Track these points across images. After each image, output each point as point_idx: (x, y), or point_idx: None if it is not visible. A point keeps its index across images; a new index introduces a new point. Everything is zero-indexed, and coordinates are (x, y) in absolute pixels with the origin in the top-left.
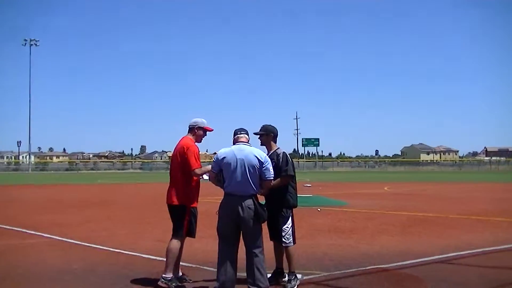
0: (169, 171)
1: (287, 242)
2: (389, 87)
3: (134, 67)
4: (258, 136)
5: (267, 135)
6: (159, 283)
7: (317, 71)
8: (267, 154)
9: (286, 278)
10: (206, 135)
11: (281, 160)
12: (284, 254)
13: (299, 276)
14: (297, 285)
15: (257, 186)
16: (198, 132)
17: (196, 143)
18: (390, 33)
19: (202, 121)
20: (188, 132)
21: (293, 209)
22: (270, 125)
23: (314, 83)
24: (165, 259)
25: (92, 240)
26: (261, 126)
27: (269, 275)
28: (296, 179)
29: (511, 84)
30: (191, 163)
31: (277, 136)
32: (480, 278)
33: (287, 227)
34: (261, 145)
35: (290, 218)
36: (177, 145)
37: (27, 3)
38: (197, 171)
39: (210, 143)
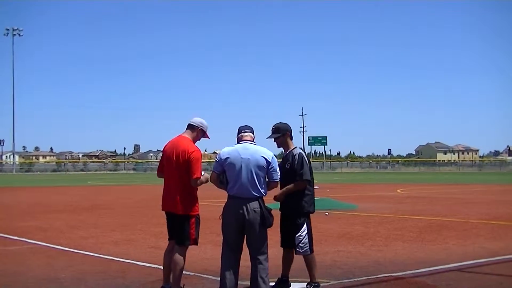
0: (157, 171)
1: (301, 250)
2: (403, 82)
3: (128, 60)
4: (274, 139)
5: (283, 135)
6: None
7: (325, 64)
8: (284, 155)
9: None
10: (199, 140)
11: (296, 162)
12: (305, 264)
13: None
14: None
15: (264, 188)
16: (198, 134)
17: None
18: (405, 27)
19: (206, 124)
20: (188, 129)
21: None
22: (281, 122)
23: (322, 77)
24: (161, 267)
25: (81, 246)
26: (272, 126)
27: (272, 284)
28: (314, 181)
29: None
30: (193, 171)
31: (291, 132)
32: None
33: (301, 235)
34: (278, 147)
35: (306, 225)
36: (176, 143)
37: None
38: (198, 181)
39: (210, 141)
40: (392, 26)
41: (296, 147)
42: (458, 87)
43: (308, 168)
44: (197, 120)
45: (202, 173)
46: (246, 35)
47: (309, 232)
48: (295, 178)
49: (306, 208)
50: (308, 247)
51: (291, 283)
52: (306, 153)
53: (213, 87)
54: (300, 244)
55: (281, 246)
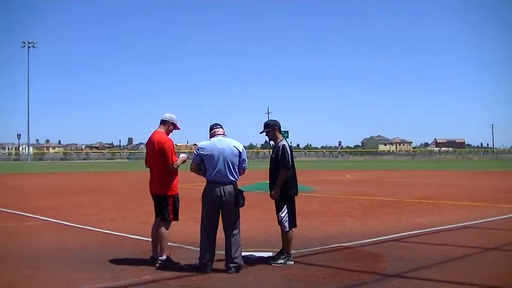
0: (145, 163)
1: (282, 227)
2: (351, 82)
3: (120, 64)
4: (265, 133)
5: (272, 130)
6: (157, 265)
7: (286, 67)
8: (273, 146)
9: (273, 255)
10: (172, 132)
11: (280, 152)
12: (281, 238)
13: (290, 262)
14: (283, 265)
15: (237, 174)
16: (170, 127)
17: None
18: (355, 24)
19: (175, 118)
20: (161, 125)
21: (295, 196)
22: (271, 120)
23: (284, 78)
24: (150, 240)
25: (85, 222)
26: (264, 123)
27: (271, 254)
28: (294, 168)
29: (459, 81)
30: (168, 158)
31: (280, 127)
32: (431, 254)
33: (282, 214)
34: (269, 140)
35: (286, 205)
36: (152, 138)
37: (24, 5)
38: (174, 165)
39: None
40: (344, 24)
41: (282, 139)
42: (395, 88)
43: (289, 157)
44: (167, 115)
45: (181, 155)
46: (222, 41)
47: (289, 212)
48: (280, 166)
49: (284, 191)
50: (287, 225)
51: (262, 253)
52: (290, 144)
53: (193, 88)
54: (282, 221)
55: (278, 224)
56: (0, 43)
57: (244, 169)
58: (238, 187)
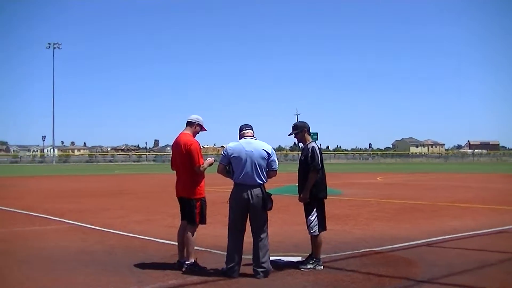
0: (170, 165)
1: (311, 231)
2: (382, 84)
3: (146, 66)
4: (294, 135)
5: (301, 132)
6: (183, 269)
7: (316, 69)
8: (302, 148)
9: (302, 259)
10: (199, 133)
11: (309, 155)
12: (311, 242)
13: (320, 267)
14: (312, 270)
15: (265, 176)
16: (196, 128)
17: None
18: (384, 31)
19: (201, 119)
20: (187, 126)
21: (324, 200)
22: (300, 121)
23: (314, 80)
24: (176, 244)
25: (110, 225)
26: (292, 125)
27: (300, 259)
28: (324, 170)
29: (493, 83)
30: (195, 161)
31: (309, 129)
32: (463, 260)
33: (311, 218)
34: (298, 142)
35: (315, 209)
36: (178, 140)
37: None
38: (201, 168)
39: (217, 137)
40: (370, 32)
41: (311, 141)
42: (429, 89)
43: (319, 159)
44: (193, 117)
45: (208, 158)
46: (250, 43)
47: (319, 216)
48: (309, 168)
49: (313, 193)
50: (316, 229)
51: (291, 257)
52: (319, 146)
53: (220, 89)
54: (311, 226)
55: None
56: (26, 44)
57: (275, 170)
58: (266, 190)
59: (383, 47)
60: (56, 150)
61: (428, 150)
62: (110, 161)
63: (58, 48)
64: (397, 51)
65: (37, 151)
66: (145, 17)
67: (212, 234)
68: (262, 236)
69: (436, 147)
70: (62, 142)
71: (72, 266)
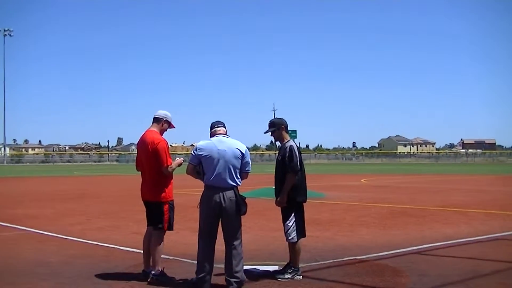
0: (135, 165)
1: (289, 237)
2: (366, 79)
3: (112, 57)
4: (270, 133)
5: (279, 129)
6: (149, 280)
7: (294, 62)
8: (279, 147)
9: (279, 268)
10: (166, 130)
11: (287, 154)
12: (288, 250)
13: (299, 277)
14: (290, 280)
15: (239, 178)
16: (164, 125)
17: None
18: (373, 24)
19: (170, 115)
20: (154, 123)
21: (304, 203)
22: (277, 118)
23: (291, 74)
24: (142, 252)
25: (69, 233)
26: (268, 122)
27: (277, 268)
28: (303, 171)
29: (488, 78)
30: (162, 161)
31: (287, 126)
32: (456, 269)
33: (289, 223)
34: (275, 141)
35: (294, 214)
36: (144, 138)
37: None
38: (169, 169)
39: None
40: (353, 26)
41: (290, 140)
42: (417, 85)
43: (297, 160)
44: (161, 113)
45: (177, 158)
46: (225, 38)
47: (298, 221)
48: (287, 169)
49: (291, 197)
50: (295, 235)
51: (267, 266)
52: (298, 145)
53: (191, 84)
54: (288, 231)
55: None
56: None
57: (247, 172)
58: (240, 193)
59: (367, 39)
60: (7, 149)
61: (417, 150)
62: (69, 161)
63: (9, 35)
64: (382, 43)
65: None
66: (107, 8)
67: (181, 241)
68: (235, 243)
69: (426, 146)
70: (15, 140)
71: (26, 279)
